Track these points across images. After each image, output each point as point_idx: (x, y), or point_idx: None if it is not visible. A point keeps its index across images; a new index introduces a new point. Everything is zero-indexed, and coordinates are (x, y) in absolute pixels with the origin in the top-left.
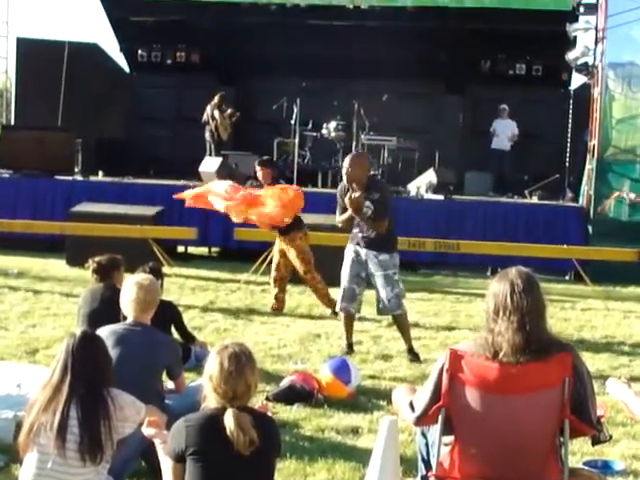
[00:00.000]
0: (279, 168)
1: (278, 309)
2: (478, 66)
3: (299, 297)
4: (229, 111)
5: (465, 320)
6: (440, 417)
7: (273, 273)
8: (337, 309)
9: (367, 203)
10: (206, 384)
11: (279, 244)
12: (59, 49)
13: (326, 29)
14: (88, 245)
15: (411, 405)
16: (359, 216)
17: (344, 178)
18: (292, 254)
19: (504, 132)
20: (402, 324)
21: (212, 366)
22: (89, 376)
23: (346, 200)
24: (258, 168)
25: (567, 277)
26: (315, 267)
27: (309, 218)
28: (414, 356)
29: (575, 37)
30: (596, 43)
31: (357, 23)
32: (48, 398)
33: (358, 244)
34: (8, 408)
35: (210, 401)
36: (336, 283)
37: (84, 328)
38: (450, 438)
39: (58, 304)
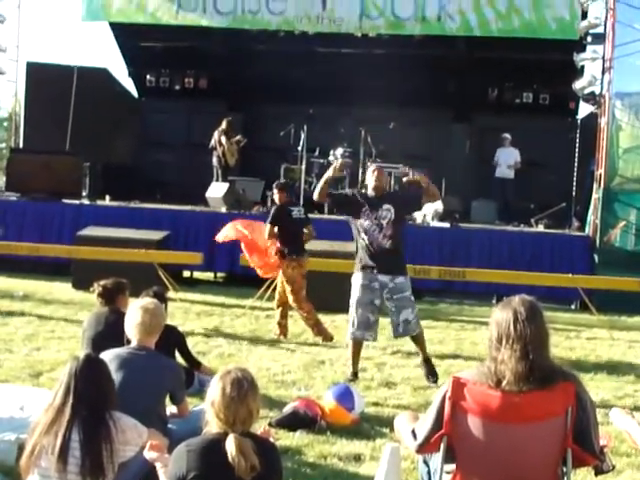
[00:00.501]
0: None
1: (281, 335)
2: (485, 94)
3: (304, 324)
4: (236, 137)
5: (469, 348)
6: (442, 445)
7: (276, 298)
8: (348, 338)
9: (387, 206)
10: (208, 409)
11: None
12: (68, 73)
13: (334, 57)
14: (94, 269)
15: (413, 433)
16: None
17: (372, 187)
18: (282, 280)
19: (506, 161)
20: (422, 340)
21: (214, 391)
22: (92, 399)
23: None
24: (275, 191)
25: (572, 306)
26: (320, 294)
27: (315, 245)
28: (431, 368)
29: (582, 66)
30: (603, 73)
31: (365, 51)
32: (50, 420)
33: (370, 271)
34: (11, 430)
35: (212, 426)
36: (343, 310)
37: (88, 351)
38: (452, 466)
39: (63, 327)
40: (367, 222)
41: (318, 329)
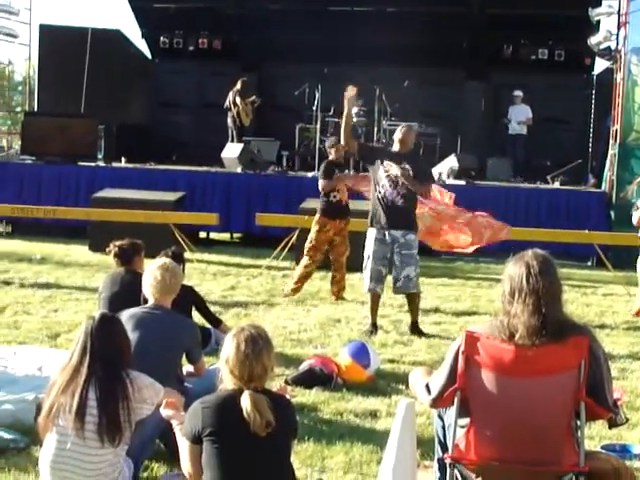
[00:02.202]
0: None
1: (294, 294)
2: (500, 52)
3: (320, 283)
4: (251, 98)
5: (486, 305)
6: (456, 399)
7: (312, 264)
8: (365, 289)
9: (407, 165)
10: (222, 367)
11: (324, 232)
12: (82, 35)
13: (347, 15)
14: (110, 231)
15: (427, 387)
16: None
17: (396, 141)
18: (342, 238)
19: (517, 117)
20: (417, 302)
21: (228, 349)
22: (108, 358)
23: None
24: (333, 150)
25: (589, 262)
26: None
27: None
28: (418, 331)
29: (598, 21)
30: (619, 27)
31: (378, 9)
32: (67, 380)
33: (382, 227)
34: (29, 390)
35: (227, 383)
36: (349, 268)
37: (103, 311)
38: (466, 420)
39: (80, 289)
40: (384, 176)
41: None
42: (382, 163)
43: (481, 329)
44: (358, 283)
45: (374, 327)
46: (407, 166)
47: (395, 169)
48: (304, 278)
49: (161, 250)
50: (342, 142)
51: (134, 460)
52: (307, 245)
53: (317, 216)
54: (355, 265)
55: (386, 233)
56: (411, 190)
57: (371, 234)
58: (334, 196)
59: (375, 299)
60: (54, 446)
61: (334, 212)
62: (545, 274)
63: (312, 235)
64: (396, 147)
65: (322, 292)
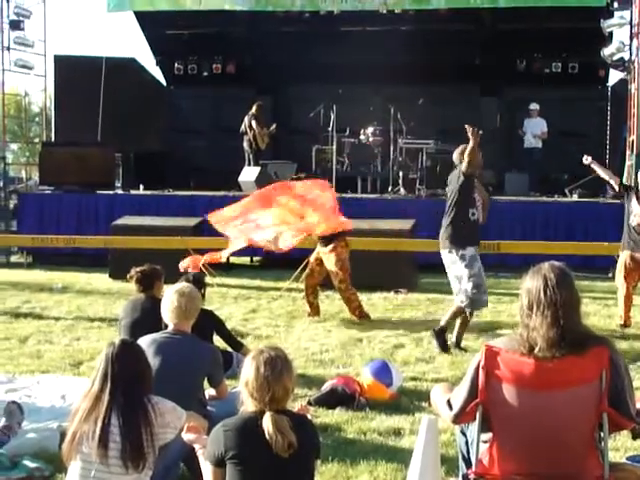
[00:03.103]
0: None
1: (315, 314)
2: (514, 66)
3: (340, 303)
4: (271, 128)
5: (507, 320)
6: (478, 414)
7: (305, 281)
8: (478, 306)
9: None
10: (243, 389)
11: (317, 252)
12: (96, 65)
13: (360, 35)
14: (130, 258)
15: (449, 403)
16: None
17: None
18: (331, 261)
19: (533, 131)
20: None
21: (248, 371)
22: (129, 384)
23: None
24: None
25: (609, 274)
26: (354, 272)
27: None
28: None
29: (610, 33)
30: (631, 38)
31: (390, 28)
32: (89, 407)
33: (476, 244)
34: (53, 419)
35: (248, 406)
36: (375, 287)
37: (123, 337)
38: (489, 435)
39: (102, 317)
40: (477, 198)
41: (361, 310)
42: (475, 185)
43: (501, 343)
44: (379, 302)
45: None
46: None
47: (481, 192)
48: (308, 295)
49: (181, 275)
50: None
51: None
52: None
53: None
54: (374, 284)
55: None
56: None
57: (471, 252)
58: None
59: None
60: (79, 473)
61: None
62: (562, 286)
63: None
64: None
65: (343, 312)
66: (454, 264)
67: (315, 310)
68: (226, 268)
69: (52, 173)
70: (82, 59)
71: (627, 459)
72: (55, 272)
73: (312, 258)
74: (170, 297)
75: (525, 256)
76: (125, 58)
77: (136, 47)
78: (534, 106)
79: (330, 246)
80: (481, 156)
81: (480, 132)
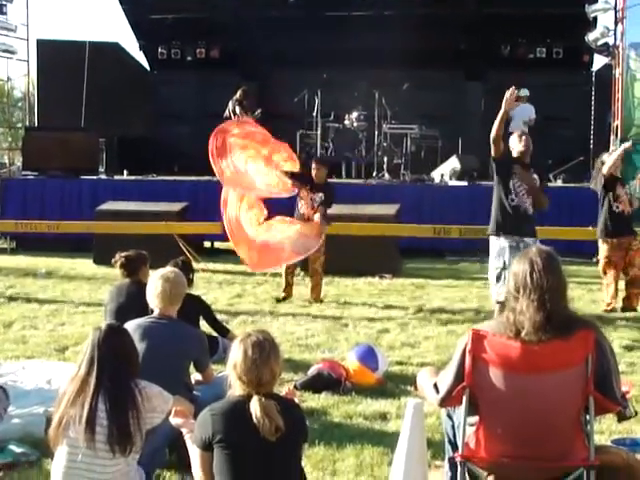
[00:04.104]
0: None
1: (290, 295)
2: (498, 51)
3: (326, 287)
4: (255, 113)
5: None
6: (464, 397)
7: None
8: (501, 298)
9: (535, 176)
10: (230, 373)
11: None
12: (79, 49)
13: (344, 20)
14: (115, 243)
15: (435, 387)
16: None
17: (518, 151)
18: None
19: (520, 116)
20: None
21: (236, 355)
22: (116, 368)
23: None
24: (314, 166)
25: (594, 259)
26: (338, 257)
27: (334, 208)
28: None
29: (595, 18)
30: (616, 23)
31: (375, 13)
32: (76, 391)
33: (515, 235)
34: (39, 404)
35: (235, 389)
36: (359, 272)
37: (110, 321)
38: (475, 418)
39: (86, 302)
40: (518, 184)
41: (320, 291)
42: (514, 170)
43: (487, 326)
44: (365, 288)
45: None
46: (535, 176)
47: (526, 178)
48: (288, 275)
49: (166, 261)
50: (492, 135)
51: (145, 469)
52: None
53: None
54: (359, 269)
55: (519, 240)
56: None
57: (503, 243)
58: (299, 208)
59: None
60: (65, 458)
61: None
62: (549, 270)
63: None
64: (518, 157)
65: (329, 297)
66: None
67: (290, 291)
68: (211, 253)
69: (35, 158)
70: (65, 44)
71: (612, 442)
72: (39, 257)
73: None
74: (155, 282)
75: None
76: (108, 43)
77: (119, 32)
78: (524, 92)
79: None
80: (524, 141)
81: (516, 92)
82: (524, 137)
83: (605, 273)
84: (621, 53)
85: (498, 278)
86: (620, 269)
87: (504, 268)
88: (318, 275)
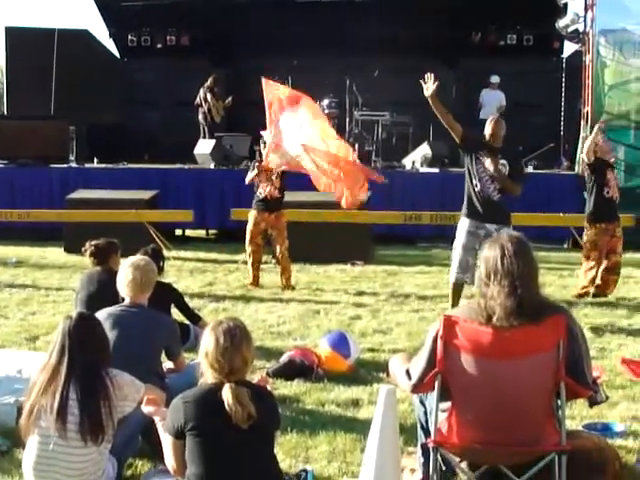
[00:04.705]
0: None
1: (257, 285)
2: (469, 38)
3: (297, 275)
4: (226, 102)
5: (464, 291)
6: (436, 383)
7: (253, 253)
8: (452, 280)
9: (503, 161)
10: (202, 360)
11: (259, 223)
12: (49, 37)
13: (314, 6)
14: (86, 232)
15: (407, 373)
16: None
17: (489, 135)
18: (277, 230)
19: (490, 103)
20: None
21: (207, 342)
22: (87, 357)
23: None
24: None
25: (565, 245)
26: (310, 244)
27: (305, 195)
28: None
29: (565, 4)
30: (586, 10)
31: None
32: (47, 380)
33: (478, 219)
34: (9, 393)
35: (207, 377)
36: (331, 259)
37: (81, 310)
38: (447, 404)
39: (57, 291)
40: (481, 170)
41: (290, 277)
42: (478, 155)
43: (458, 312)
44: (337, 275)
45: None
46: (503, 161)
47: (489, 163)
48: (254, 269)
49: (137, 249)
50: (445, 125)
51: (118, 458)
52: (246, 239)
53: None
54: (330, 257)
55: (480, 226)
56: (517, 175)
57: (463, 226)
58: (260, 192)
59: (457, 288)
60: (37, 447)
61: (263, 206)
62: (520, 255)
63: (248, 228)
64: (489, 141)
65: (300, 284)
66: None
67: (257, 281)
68: (182, 241)
69: (5, 147)
70: (34, 31)
71: (583, 427)
72: (9, 246)
73: (255, 231)
74: (125, 270)
75: None
76: (78, 30)
77: (89, 19)
78: (495, 79)
79: (275, 213)
80: (492, 125)
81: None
82: (494, 121)
83: (588, 258)
84: (591, 40)
85: (453, 258)
86: (604, 254)
87: (455, 249)
88: (285, 260)
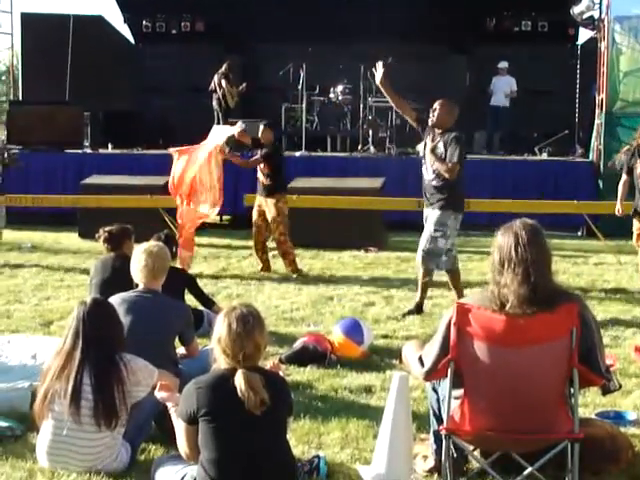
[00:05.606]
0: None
1: (267, 270)
2: (483, 25)
3: (311, 261)
4: (240, 87)
5: (477, 278)
6: (449, 370)
7: (254, 238)
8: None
9: (441, 144)
10: (215, 346)
11: (259, 206)
12: (64, 23)
13: None
14: (100, 217)
15: (420, 360)
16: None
17: (430, 119)
18: (274, 213)
19: (501, 89)
20: (424, 280)
21: (220, 328)
22: (101, 342)
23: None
24: (262, 128)
25: (579, 233)
26: (324, 230)
27: (319, 182)
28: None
29: None
30: None
31: None
32: (61, 365)
33: (425, 203)
34: (24, 378)
35: (220, 363)
36: (344, 245)
37: (95, 295)
38: (460, 391)
39: (71, 276)
40: (422, 154)
41: (296, 264)
42: (424, 139)
43: (472, 300)
44: (350, 261)
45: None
46: (440, 144)
47: (428, 147)
48: (258, 251)
49: (151, 235)
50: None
51: (131, 443)
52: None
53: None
54: (344, 243)
55: (426, 210)
56: (451, 157)
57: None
58: (257, 177)
59: (422, 276)
60: (51, 432)
61: (260, 190)
62: (533, 243)
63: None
64: (432, 122)
65: (314, 270)
66: None
67: (266, 265)
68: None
69: (20, 132)
70: (49, 17)
71: (596, 415)
72: (24, 232)
73: (255, 214)
74: (138, 256)
75: (495, 214)
76: (93, 16)
77: (104, 4)
78: (503, 64)
79: (273, 198)
80: (437, 110)
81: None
82: (439, 104)
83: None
84: (606, 26)
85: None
86: None
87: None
88: (284, 245)
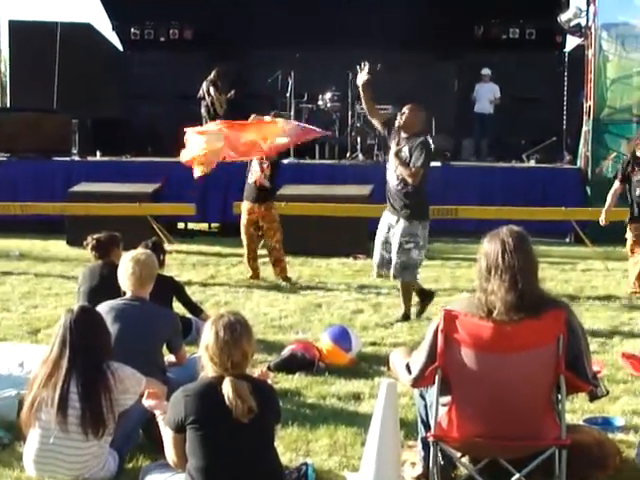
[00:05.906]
0: None
1: (257, 278)
2: (471, 32)
3: (300, 268)
4: (228, 95)
5: (465, 285)
6: (436, 378)
7: (247, 245)
8: (374, 274)
9: (406, 149)
10: (203, 354)
11: (250, 214)
12: (51, 30)
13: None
14: (88, 225)
15: (408, 367)
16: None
17: (397, 123)
18: (269, 220)
19: (485, 96)
20: (405, 290)
21: (208, 336)
22: (88, 350)
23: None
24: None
25: (567, 239)
26: (312, 237)
27: (307, 189)
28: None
29: None
30: (588, 4)
31: None
32: (48, 373)
33: (389, 210)
34: (11, 387)
35: (208, 371)
36: (333, 252)
37: (82, 303)
38: (448, 398)
39: (59, 284)
40: (387, 158)
41: (286, 272)
42: (389, 144)
43: (459, 307)
44: (339, 268)
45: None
46: (405, 149)
47: (392, 151)
48: (250, 260)
49: (139, 242)
50: (368, 116)
51: (118, 451)
52: (241, 232)
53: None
54: (333, 250)
55: (387, 216)
56: (415, 162)
57: (382, 219)
58: (250, 177)
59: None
60: (38, 441)
61: (252, 197)
62: (520, 250)
63: (241, 221)
64: (399, 127)
65: (302, 277)
66: None
67: (256, 273)
68: (184, 235)
69: (7, 140)
70: (37, 24)
71: (584, 421)
72: (12, 239)
73: (246, 222)
74: (126, 264)
75: (483, 221)
76: (81, 23)
77: (92, 12)
78: (486, 71)
79: (269, 203)
80: (405, 115)
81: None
82: (407, 109)
83: (632, 253)
84: (593, 34)
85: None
86: None
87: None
88: (276, 252)
